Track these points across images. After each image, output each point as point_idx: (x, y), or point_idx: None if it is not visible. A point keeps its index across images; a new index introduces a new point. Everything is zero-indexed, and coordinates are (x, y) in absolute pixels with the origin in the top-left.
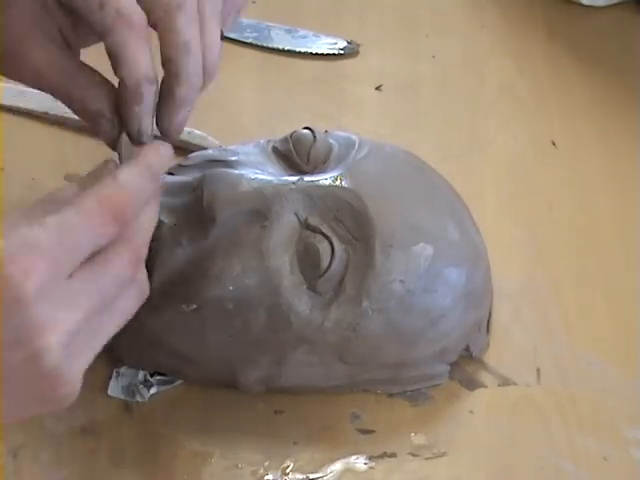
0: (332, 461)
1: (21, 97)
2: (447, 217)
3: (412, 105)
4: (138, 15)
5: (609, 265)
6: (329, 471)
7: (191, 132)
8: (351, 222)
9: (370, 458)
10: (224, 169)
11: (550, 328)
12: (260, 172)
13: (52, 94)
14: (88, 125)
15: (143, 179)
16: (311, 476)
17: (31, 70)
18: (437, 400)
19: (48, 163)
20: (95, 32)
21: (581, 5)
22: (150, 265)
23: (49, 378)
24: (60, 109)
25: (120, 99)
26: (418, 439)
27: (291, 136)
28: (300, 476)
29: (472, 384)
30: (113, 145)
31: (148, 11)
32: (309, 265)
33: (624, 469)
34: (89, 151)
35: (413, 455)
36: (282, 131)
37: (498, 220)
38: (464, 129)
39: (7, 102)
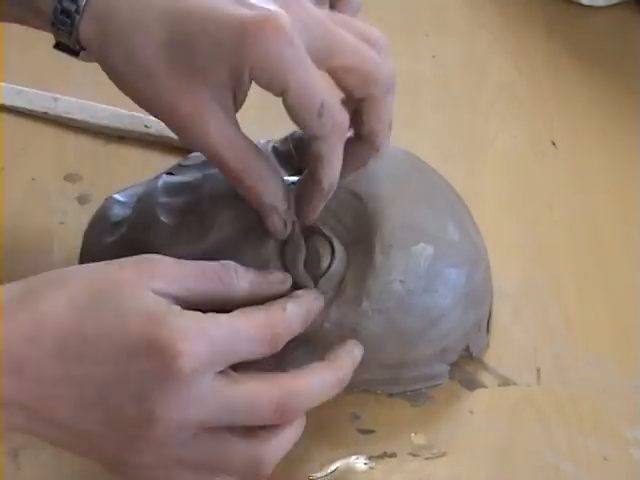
0: (332, 461)
1: (21, 97)
2: (447, 217)
3: (412, 105)
4: (346, 126)
5: (609, 265)
6: (329, 471)
7: None
8: (351, 222)
9: (370, 458)
10: None
11: (550, 328)
12: None
13: (220, 169)
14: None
15: (300, 320)
16: (311, 476)
17: (204, 141)
18: (437, 400)
19: (48, 163)
20: (305, 132)
21: (581, 5)
22: None
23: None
24: (60, 109)
25: (305, 194)
26: (418, 439)
27: (291, 136)
28: (300, 476)
29: (472, 384)
30: (279, 236)
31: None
32: (309, 265)
33: (624, 469)
34: (89, 151)
35: (413, 455)
36: (282, 131)
37: (498, 220)
38: (464, 129)
39: (7, 102)
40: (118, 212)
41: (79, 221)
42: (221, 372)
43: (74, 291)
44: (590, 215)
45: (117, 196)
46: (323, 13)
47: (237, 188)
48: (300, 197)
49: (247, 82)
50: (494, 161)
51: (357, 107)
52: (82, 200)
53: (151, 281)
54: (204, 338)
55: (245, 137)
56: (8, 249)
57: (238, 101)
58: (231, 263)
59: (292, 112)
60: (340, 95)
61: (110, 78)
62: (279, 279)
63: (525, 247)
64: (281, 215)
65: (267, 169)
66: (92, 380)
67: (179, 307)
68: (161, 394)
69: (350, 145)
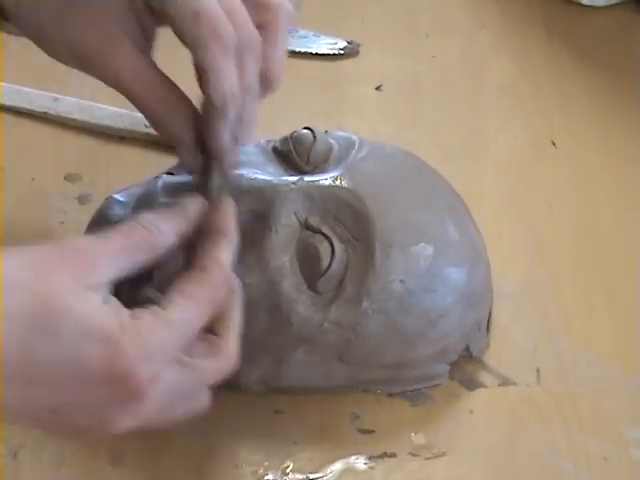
0: (332, 461)
1: (21, 97)
2: (447, 217)
3: (412, 105)
4: (230, 33)
5: (609, 265)
6: (329, 471)
7: None
8: (351, 222)
9: (370, 458)
10: None
11: (550, 328)
12: (260, 172)
13: (130, 100)
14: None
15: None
16: (311, 476)
17: (112, 73)
18: (437, 400)
19: (48, 163)
20: (183, 42)
21: (581, 5)
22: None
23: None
24: (60, 109)
25: (204, 115)
26: (418, 439)
27: (291, 136)
28: (300, 476)
29: (472, 384)
30: (192, 170)
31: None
32: (309, 265)
33: (624, 469)
34: (89, 151)
35: (413, 455)
36: (282, 131)
37: (498, 220)
38: (464, 129)
39: (7, 102)
40: (118, 212)
41: (79, 221)
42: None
43: (17, 305)
44: (590, 215)
45: (117, 196)
46: None
47: (147, 119)
48: (203, 126)
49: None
50: (494, 161)
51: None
52: (82, 200)
53: (89, 278)
54: (159, 356)
55: (155, 68)
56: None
57: (149, 34)
58: (148, 221)
59: (168, 16)
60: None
61: (21, 29)
62: (195, 210)
63: (525, 247)
64: (188, 146)
65: (175, 100)
66: (43, 403)
67: (126, 311)
68: (121, 412)
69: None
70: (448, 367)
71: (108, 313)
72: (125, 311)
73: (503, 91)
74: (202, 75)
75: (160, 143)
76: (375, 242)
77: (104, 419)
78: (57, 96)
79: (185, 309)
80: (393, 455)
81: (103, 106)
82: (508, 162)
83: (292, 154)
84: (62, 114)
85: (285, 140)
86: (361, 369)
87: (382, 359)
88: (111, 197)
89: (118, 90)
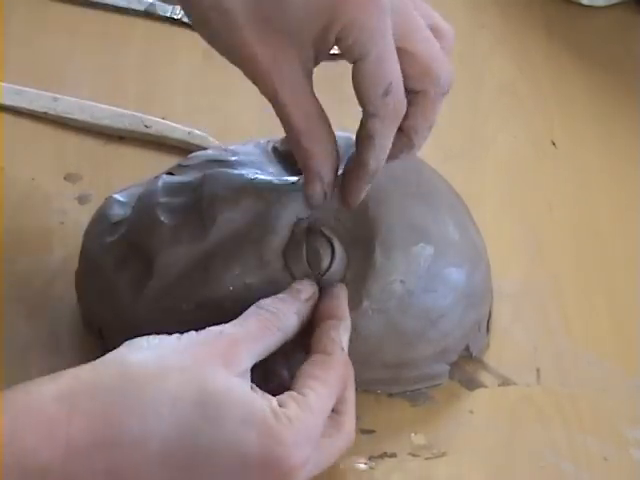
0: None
1: (21, 97)
2: (447, 217)
3: None
4: (404, 111)
5: (609, 265)
6: (330, 471)
7: (191, 132)
8: (351, 222)
9: (370, 458)
10: (224, 169)
11: (550, 328)
12: (260, 172)
13: (283, 124)
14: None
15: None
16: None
17: (277, 99)
18: (437, 400)
19: (48, 163)
20: (364, 107)
21: (581, 5)
22: (150, 265)
23: None
24: (60, 109)
25: (351, 174)
26: (418, 439)
27: None
28: None
29: (472, 384)
30: (313, 205)
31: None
32: (309, 265)
33: (624, 469)
34: (89, 151)
35: (413, 455)
36: (282, 131)
37: (498, 220)
38: (464, 129)
39: (7, 102)
40: (118, 212)
41: (79, 221)
42: None
43: (175, 395)
44: (590, 215)
45: (117, 196)
46: None
47: (292, 145)
48: (345, 177)
49: (331, 43)
50: (494, 161)
51: (408, 98)
52: (82, 200)
53: (237, 365)
54: (309, 442)
55: (315, 100)
56: (8, 249)
57: (318, 61)
58: (272, 305)
59: (360, 84)
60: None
61: (196, 26)
62: (309, 293)
63: (525, 247)
64: (324, 185)
65: (327, 137)
66: None
67: (272, 398)
68: None
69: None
70: (448, 367)
71: (260, 400)
72: (271, 398)
73: (503, 91)
74: (365, 139)
75: (160, 143)
76: (375, 242)
77: None
78: (57, 96)
79: (320, 394)
80: (393, 455)
81: (103, 106)
82: (508, 162)
83: (292, 154)
84: (62, 114)
85: (285, 140)
86: (361, 369)
87: (382, 359)
88: (111, 197)
89: (275, 111)
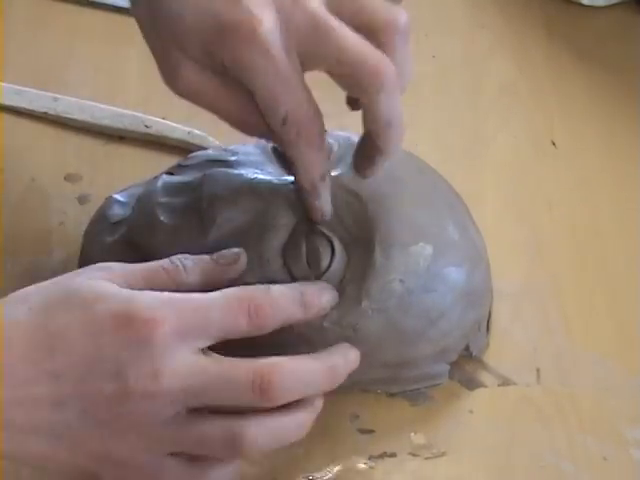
0: (332, 461)
1: (21, 97)
2: (447, 217)
3: (412, 105)
4: (317, 131)
5: (609, 264)
6: (329, 471)
7: (191, 132)
8: (351, 222)
9: (370, 458)
10: (224, 169)
11: (550, 328)
12: (260, 172)
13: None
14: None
15: (289, 300)
16: (311, 476)
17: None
18: (437, 400)
19: (48, 163)
20: (274, 138)
21: (581, 5)
22: None
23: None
24: (60, 109)
25: (301, 193)
26: (418, 439)
27: None
28: (300, 476)
29: (472, 384)
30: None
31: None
32: (309, 265)
33: (624, 469)
34: (89, 151)
35: (413, 455)
36: None
37: (498, 220)
38: (464, 129)
39: (7, 102)
40: (118, 212)
41: (79, 221)
42: (198, 350)
43: (31, 302)
44: (590, 215)
45: (117, 196)
46: (321, 6)
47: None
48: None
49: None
50: (494, 161)
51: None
52: (82, 200)
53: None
54: (172, 307)
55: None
56: (8, 249)
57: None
58: (178, 257)
59: (263, 108)
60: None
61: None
62: (230, 259)
63: (525, 247)
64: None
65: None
66: (65, 371)
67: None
68: (135, 364)
69: (361, 143)
70: (448, 367)
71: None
72: None
73: (503, 91)
74: (290, 165)
75: (160, 143)
76: (375, 242)
77: (120, 375)
78: (57, 96)
79: (213, 295)
80: (393, 455)
81: (103, 106)
82: (508, 162)
83: None
84: (62, 114)
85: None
86: (361, 369)
87: (382, 359)
88: (111, 197)
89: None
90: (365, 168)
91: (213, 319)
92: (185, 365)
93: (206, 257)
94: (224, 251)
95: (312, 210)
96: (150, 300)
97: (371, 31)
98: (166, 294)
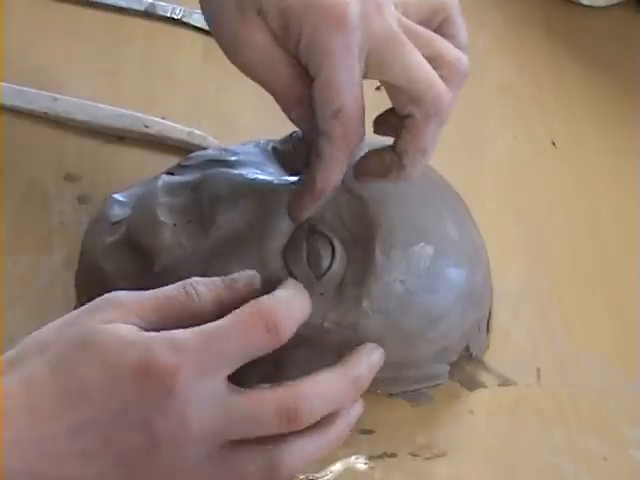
0: (332, 461)
1: (21, 97)
2: (447, 217)
3: None
4: (358, 136)
5: (609, 265)
6: (329, 471)
7: (191, 132)
8: (351, 222)
9: (370, 458)
10: (224, 169)
11: (550, 328)
12: (260, 172)
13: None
14: None
15: (296, 302)
16: (311, 476)
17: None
18: (437, 400)
19: (48, 163)
20: (314, 121)
21: (581, 5)
22: (150, 265)
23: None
24: (60, 109)
25: (298, 191)
26: (418, 439)
27: (291, 136)
28: (300, 476)
29: (472, 384)
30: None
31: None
32: (310, 265)
33: (624, 469)
34: (89, 151)
35: (413, 455)
36: (282, 131)
37: (498, 220)
38: (464, 129)
39: (7, 102)
40: (118, 212)
41: (79, 221)
42: (222, 383)
43: (49, 354)
44: (590, 215)
45: (117, 196)
46: (399, 23)
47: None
48: (294, 191)
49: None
50: (494, 161)
51: (402, 121)
52: (82, 200)
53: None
54: (188, 348)
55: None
56: (8, 249)
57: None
58: (191, 281)
59: (314, 99)
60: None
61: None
62: (245, 280)
63: (525, 247)
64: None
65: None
66: (92, 426)
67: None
68: (160, 413)
69: (383, 153)
70: (448, 367)
71: (133, 328)
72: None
73: (503, 91)
74: (314, 156)
75: (160, 143)
76: (375, 242)
77: (147, 424)
78: (57, 96)
79: (222, 322)
80: (393, 455)
81: (103, 106)
82: (508, 162)
83: (292, 154)
84: (62, 114)
85: (285, 140)
86: None
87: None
88: (111, 197)
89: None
90: (372, 176)
91: (231, 348)
92: (211, 407)
93: (219, 280)
94: (237, 274)
95: (298, 209)
96: (166, 345)
97: (438, 64)
98: (179, 334)
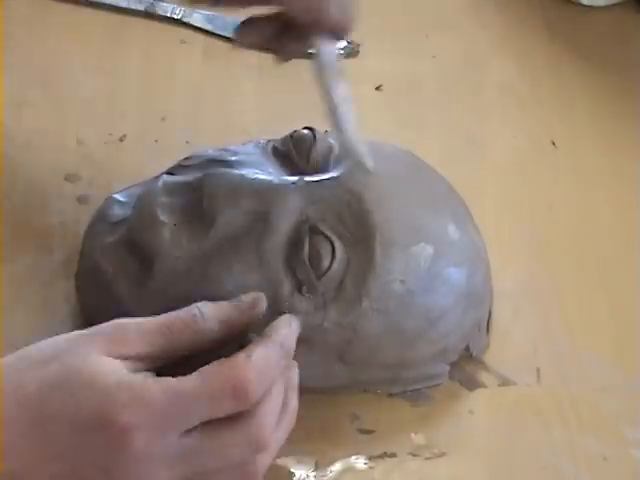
0: (332, 461)
1: None
2: (447, 217)
3: (412, 105)
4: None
5: (609, 264)
6: (329, 471)
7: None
8: (351, 222)
9: (370, 458)
10: (224, 169)
11: (550, 328)
12: (260, 172)
13: None
14: None
15: (272, 356)
16: (311, 476)
17: None
18: (437, 400)
19: (48, 163)
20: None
21: (581, 5)
22: (150, 265)
23: None
24: None
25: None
26: (418, 439)
27: (291, 136)
28: (300, 476)
29: (472, 384)
30: None
31: None
32: (310, 265)
33: (624, 469)
34: (89, 151)
35: (413, 455)
36: (282, 131)
37: (498, 220)
38: (464, 129)
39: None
40: (118, 212)
41: (79, 221)
42: (182, 436)
43: (42, 374)
44: (590, 215)
45: (117, 196)
46: None
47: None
48: None
49: None
50: (494, 161)
51: None
52: (82, 200)
53: (118, 348)
54: (149, 406)
55: None
56: (8, 249)
57: None
58: (196, 306)
59: None
60: None
61: None
62: (250, 303)
63: (525, 247)
64: None
65: None
66: (64, 456)
67: (133, 374)
68: (117, 464)
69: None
70: (448, 367)
71: (117, 371)
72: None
73: (503, 91)
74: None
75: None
76: (375, 242)
77: (111, 473)
78: None
79: (191, 383)
80: (393, 455)
81: None
82: (508, 162)
83: (292, 154)
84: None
85: (285, 140)
86: (361, 369)
87: (382, 359)
88: (111, 197)
89: None
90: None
91: (195, 410)
92: (168, 463)
93: (224, 303)
94: (243, 295)
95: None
96: (128, 401)
97: None
98: (148, 388)
